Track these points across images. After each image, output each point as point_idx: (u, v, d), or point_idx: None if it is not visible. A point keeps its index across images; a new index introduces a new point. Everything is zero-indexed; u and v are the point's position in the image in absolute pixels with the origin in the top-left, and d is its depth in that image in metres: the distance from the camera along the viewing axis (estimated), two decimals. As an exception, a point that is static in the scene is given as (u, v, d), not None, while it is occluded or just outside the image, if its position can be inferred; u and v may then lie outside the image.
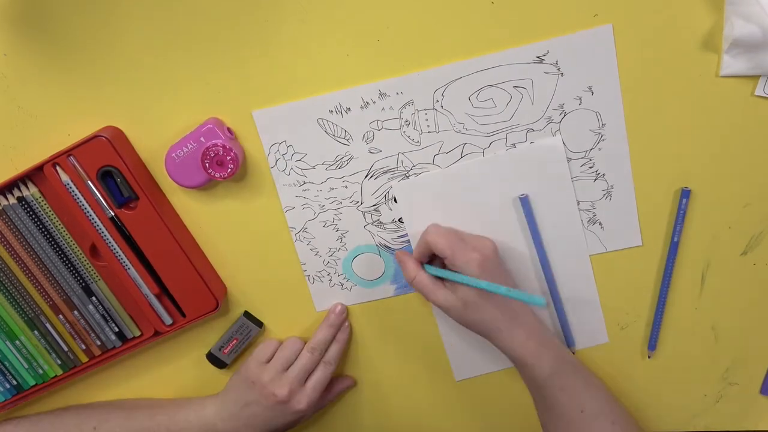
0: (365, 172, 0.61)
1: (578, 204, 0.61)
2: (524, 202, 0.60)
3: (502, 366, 0.67)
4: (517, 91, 0.58)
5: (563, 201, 0.61)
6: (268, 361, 0.63)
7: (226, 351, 0.66)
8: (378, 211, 0.62)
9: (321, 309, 0.66)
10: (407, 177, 0.61)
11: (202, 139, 0.56)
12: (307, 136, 0.60)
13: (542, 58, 0.56)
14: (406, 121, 0.59)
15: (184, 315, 0.62)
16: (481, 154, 0.60)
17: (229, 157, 0.56)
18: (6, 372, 0.63)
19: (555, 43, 0.56)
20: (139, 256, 0.60)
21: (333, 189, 0.62)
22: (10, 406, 0.64)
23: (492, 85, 0.57)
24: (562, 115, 0.58)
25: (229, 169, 0.57)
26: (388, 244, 0.63)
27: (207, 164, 0.56)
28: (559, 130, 0.58)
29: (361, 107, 0.58)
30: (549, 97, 0.58)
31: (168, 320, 0.62)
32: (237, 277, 0.65)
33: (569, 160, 0.59)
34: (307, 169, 0.61)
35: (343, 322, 0.65)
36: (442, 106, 0.58)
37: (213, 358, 0.66)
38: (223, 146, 0.56)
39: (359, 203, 0.62)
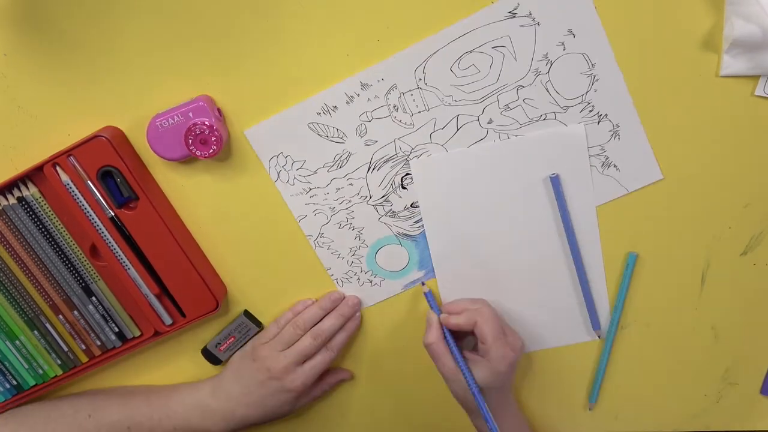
0: (366, 166, 0.61)
1: (588, 150, 0.59)
2: (555, 181, 0.60)
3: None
4: (497, 51, 0.56)
5: (581, 189, 0.60)
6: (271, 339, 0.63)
7: (222, 348, 0.66)
8: (388, 201, 0.62)
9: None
10: (418, 157, 0.60)
11: (190, 114, 0.55)
12: (302, 143, 0.60)
13: (514, 12, 0.55)
14: (395, 106, 0.58)
15: (184, 315, 0.62)
16: (476, 121, 0.59)
17: (213, 138, 0.55)
18: (6, 372, 0.63)
19: None
20: (139, 256, 0.60)
21: (339, 189, 0.61)
22: (9, 407, 0.64)
23: (470, 51, 0.56)
24: (549, 64, 0.57)
25: (212, 150, 0.55)
26: (406, 232, 0.63)
27: (190, 140, 0.55)
28: (549, 81, 0.57)
29: (347, 102, 0.58)
30: (531, 49, 0.56)
31: (168, 320, 0.62)
32: (237, 277, 0.65)
33: (566, 108, 0.58)
34: (310, 174, 0.61)
35: (354, 314, 0.65)
36: (426, 84, 0.57)
37: (208, 354, 0.66)
38: (210, 126, 0.55)
39: (368, 197, 0.62)
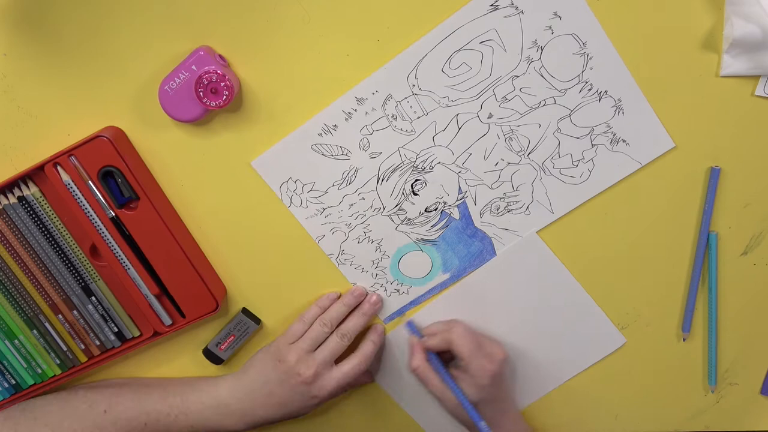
0: (375, 178, 0.61)
1: (592, 130, 0.59)
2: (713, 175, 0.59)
3: None
4: (485, 45, 0.56)
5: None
6: (298, 338, 0.63)
7: (222, 347, 0.66)
8: (402, 209, 0.62)
9: (387, 322, 0.67)
10: (422, 170, 0.61)
11: (193, 67, 0.55)
12: (309, 165, 0.60)
13: (496, 4, 0.54)
14: (393, 116, 0.58)
15: (183, 315, 0.62)
16: (476, 118, 0.58)
17: (223, 84, 0.54)
18: (5, 371, 0.63)
19: None
20: (139, 256, 0.60)
21: (352, 205, 0.62)
22: (8, 406, 0.64)
23: (459, 50, 0.56)
24: (539, 51, 0.56)
25: (225, 96, 0.55)
26: (424, 237, 0.63)
27: (201, 93, 0.55)
28: (542, 66, 0.56)
29: (346, 119, 0.58)
30: (519, 39, 0.56)
31: (167, 321, 0.62)
32: (237, 277, 0.65)
33: (564, 91, 0.57)
34: (321, 195, 0.61)
35: (376, 312, 0.65)
36: (420, 89, 0.57)
37: (209, 354, 0.66)
38: (216, 72, 0.54)
39: (382, 209, 0.62)
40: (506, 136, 0.59)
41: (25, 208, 0.58)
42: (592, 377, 0.68)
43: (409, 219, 0.62)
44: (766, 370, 0.66)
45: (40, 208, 0.58)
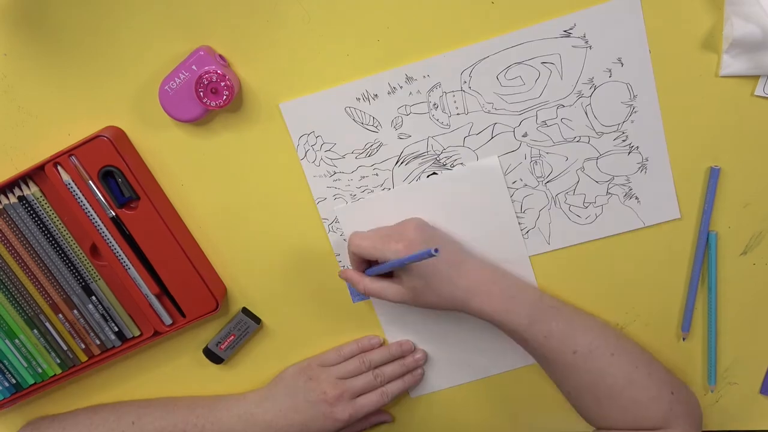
0: (395, 159, 0.61)
1: (612, 179, 0.60)
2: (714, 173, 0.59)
3: (457, 382, 0.68)
4: (545, 67, 0.57)
5: (504, 220, 0.62)
6: (331, 366, 0.64)
7: (223, 347, 0.66)
8: None
9: (357, 301, 0.66)
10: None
11: (193, 67, 0.55)
12: (336, 126, 0.59)
13: (569, 31, 0.55)
14: (435, 104, 0.58)
15: (183, 315, 0.62)
16: (512, 132, 0.59)
17: (223, 84, 0.54)
18: (5, 371, 0.63)
19: (581, 15, 0.55)
20: (139, 256, 0.60)
21: (364, 177, 0.61)
22: (8, 405, 0.64)
23: (520, 63, 0.57)
24: (592, 89, 0.57)
25: (225, 96, 0.55)
26: None
27: (201, 93, 0.55)
28: (590, 104, 0.57)
29: (389, 93, 0.58)
30: (578, 71, 0.57)
31: (168, 320, 0.62)
32: (237, 276, 0.65)
33: (601, 134, 0.59)
34: (337, 158, 0.61)
35: (417, 367, 0.66)
36: (470, 87, 0.58)
37: (210, 354, 0.66)
38: (216, 72, 0.54)
39: (390, 190, 0.62)
40: (533, 158, 0.60)
41: (26, 207, 0.58)
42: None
43: None
44: (766, 370, 0.66)
45: (40, 208, 0.58)
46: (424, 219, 0.60)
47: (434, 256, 0.49)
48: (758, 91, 0.56)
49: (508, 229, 0.62)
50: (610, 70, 0.57)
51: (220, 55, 0.56)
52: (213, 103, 0.55)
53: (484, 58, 0.57)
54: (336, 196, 0.62)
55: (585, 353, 0.56)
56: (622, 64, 0.56)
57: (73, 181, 0.57)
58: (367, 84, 0.58)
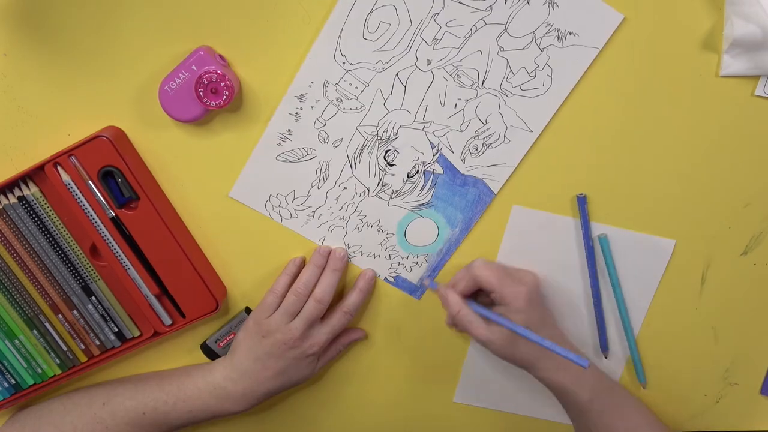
0: (348, 165, 0.60)
1: (534, 34, 0.56)
2: (581, 201, 0.60)
3: (505, 408, 0.69)
4: None
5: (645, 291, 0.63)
6: (273, 311, 0.62)
7: (221, 344, 0.66)
8: (386, 184, 0.61)
9: (420, 296, 0.66)
10: (388, 140, 0.60)
11: (193, 67, 0.55)
12: (282, 176, 0.60)
13: None
14: (338, 99, 0.58)
15: (183, 315, 0.62)
16: (416, 69, 0.57)
17: (223, 84, 0.54)
18: (5, 371, 0.63)
19: None
20: (139, 256, 0.60)
21: (338, 197, 0.62)
22: (8, 405, 0.64)
23: (370, 12, 0.55)
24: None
25: (224, 96, 0.55)
26: (418, 202, 0.62)
27: (201, 93, 0.55)
28: (445, 24, 0.55)
29: (296, 120, 0.58)
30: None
31: (167, 321, 0.62)
32: (237, 277, 0.65)
33: (490, 8, 0.55)
34: (306, 199, 0.61)
35: (344, 265, 0.64)
36: (351, 64, 0.57)
37: (207, 350, 0.66)
38: (216, 72, 0.54)
39: (367, 191, 0.62)
40: (453, 75, 0.58)
41: (26, 208, 0.58)
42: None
43: (396, 191, 0.62)
44: (766, 370, 0.66)
45: (40, 208, 0.58)
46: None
47: (584, 366, 0.53)
48: (758, 91, 0.56)
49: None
50: None
51: (220, 55, 0.56)
52: (213, 103, 0.55)
53: (340, 33, 0.55)
54: (331, 228, 0.63)
55: (631, 429, 0.61)
56: None
57: (73, 181, 0.57)
58: (274, 126, 0.59)
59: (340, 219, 0.62)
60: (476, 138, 0.60)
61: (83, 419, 0.62)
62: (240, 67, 0.57)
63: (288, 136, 0.59)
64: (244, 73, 0.57)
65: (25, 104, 0.58)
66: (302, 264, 0.64)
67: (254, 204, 0.61)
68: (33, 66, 0.57)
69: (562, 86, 0.58)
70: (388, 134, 0.60)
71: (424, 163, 0.61)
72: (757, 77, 0.56)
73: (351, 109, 0.58)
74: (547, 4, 0.55)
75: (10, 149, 0.60)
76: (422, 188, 0.62)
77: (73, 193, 0.57)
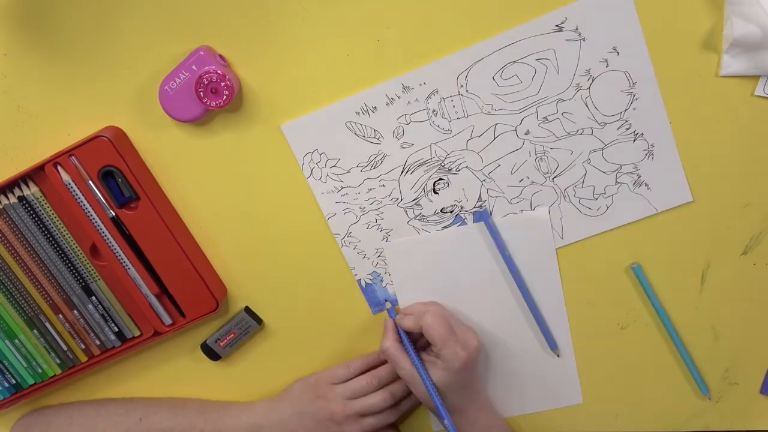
0: (400, 168, 0.61)
1: (620, 168, 0.60)
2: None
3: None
4: (540, 63, 0.57)
5: (547, 269, 0.63)
6: (340, 382, 0.63)
7: (222, 344, 0.66)
8: (419, 204, 0.62)
9: (376, 312, 0.66)
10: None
11: (193, 67, 0.55)
12: (338, 141, 0.60)
13: (561, 26, 0.55)
14: (434, 111, 0.59)
15: (183, 315, 0.62)
16: (513, 132, 0.59)
17: (223, 84, 0.54)
18: (5, 371, 0.63)
19: (572, 8, 0.55)
20: (139, 256, 0.60)
21: (371, 189, 0.62)
22: (8, 405, 0.64)
23: (515, 62, 0.57)
24: (590, 80, 0.57)
25: (225, 96, 0.55)
26: None
27: (201, 93, 0.55)
28: (589, 96, 0.57)
29: (387, 104, 0.58)
30: (574, 64, 0.57)
31: (168, 320, 0.62)
32: (237, 277, 0.65)
33: (603, 125, 0.58)
34: (343, 173, 0.61)
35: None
36: (467, 91, 0.58)
37: (207, 350, 0.66)
38: (217, 72, 0.54)
39: (399, 200, 0.62)
40: (538, 155, 0.60)
41: (26, 207, 0.58)
42: (593, 376, 0.68)
43: (424, 216, 0.62)
44: (766, 370, 0.66)
45: (40, 208, 0.58)
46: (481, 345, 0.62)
47: None
48: (758, 91, 0.56)
49: (549, 280, 0.64)
50: (606, 60, 0.56)
51: (220, 55, 0.56)
52: (213, 103, 0.55)
53: (479, 61, 0.57)
54: (345, 211, 0.62)
55: None
56: (618, 53, 0.56)
57: (73, 181, 0.57)
58: (365, 97, 0.58)
59: (359, 208, 0.62)
60: (515, 215, 0.62)
61: (116, 429, 0.62)
62: (240, 67, 0.57)
63: (370, 112, 0.58)
64: (244, 73, 0.57)
65: (25, 104, 0.58)
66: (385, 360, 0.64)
67: (297, 147, 0.60)
68: (33, 66, 0.57)
69: (610, 222, 0.62)
70: (451, 167, 0.60)
71: (462, 207, 0.62)
72: (757, 77, 0.56)
73: (438, 126, 0.59)
74: (647, 152, 0.59)
75: (10, 149, 0.60)
76: (445, 227, 0.62)
77: (73, 193, 0.57)
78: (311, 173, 0.61)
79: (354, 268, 0.64)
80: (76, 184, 0.57)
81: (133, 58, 0.57)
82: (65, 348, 0.63)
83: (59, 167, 0.57)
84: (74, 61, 0.57)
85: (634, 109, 0.58)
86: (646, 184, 0.60)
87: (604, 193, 0.61)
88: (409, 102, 0.58)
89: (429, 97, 0.58)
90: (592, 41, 0.56)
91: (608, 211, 0.61)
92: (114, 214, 0.58)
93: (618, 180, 0.60)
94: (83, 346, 0.63)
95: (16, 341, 0.62)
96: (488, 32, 0.56)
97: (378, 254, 0.64)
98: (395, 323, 0.63)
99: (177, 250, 0.60)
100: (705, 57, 0.56)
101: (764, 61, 0.54)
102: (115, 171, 0.57)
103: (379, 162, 0.60)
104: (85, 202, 0.57)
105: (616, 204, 0.61)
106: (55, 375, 0.64)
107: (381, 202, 0.62)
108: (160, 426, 0.63)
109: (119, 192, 0.58)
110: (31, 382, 0.64)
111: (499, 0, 0.55)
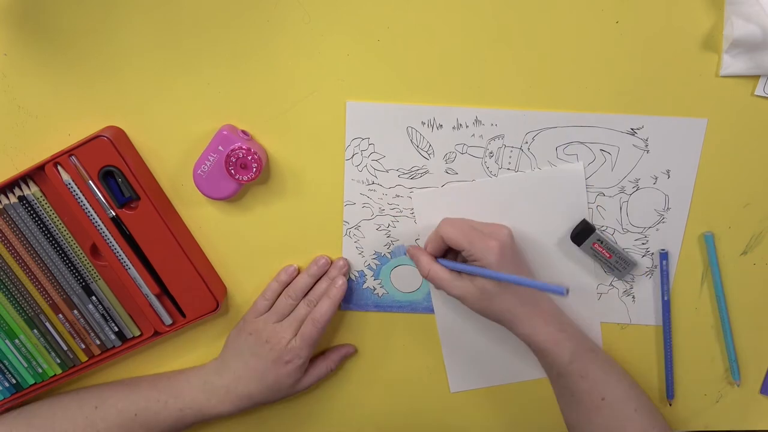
0: (435, 190, 0.61)
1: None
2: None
3: (498, 382, 0.68)
4: (602, 154, 0.59)
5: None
6: (263, 313, 0.63)
7: None
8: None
9: (345, 308, 0.66)
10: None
11: (220, 147, 0.56)
12: (392, 140, 0.60)
13: (635, 130, 0.58)
14: (491, 153, 0.60)
15: (184, 315, 0.62)
16: None
17: (250, 157, 0.56)
18: (5, 371, 0.63)
19: (651, 120, 0.58)
20: (139, 256, 0.60)
21: (398, 197, 0.62)
22: (8, 405, 0.64)
23: (582, 143, 0.59)
24: (635, 189, 0.60)
25: (254, 169, 0.56)
26: None
27: (232, 171, 0.57)
28: (627, 202, 0.60)
29: (454, 128, 0.59)
30: (629, 168, 0.59)
31: (168, 320, 0.62)
32: (237, 277, 0.65)
33: (625, 231, 0.62)
34: (381, 171, 0.61)
35: (344, 275, 0.63)
36: (529, 149, 0.59)
37: None
38: (242, 148, 0.56)
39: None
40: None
41: (26, 207, 0.58)
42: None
43: None
44: (766, 370, 0.66)
45: (40, 208, 0.58)
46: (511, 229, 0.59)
47: (563, 296, 0.50)
48: (758, 91, 0.56)
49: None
50: (656, 178, 0.60)
51: (243, 131, 0.58)
52: (245, 177, 0.57)
53: (553, 128, 0.58)
54: (364, 205, 0.62)
55: (612, 402, 0.57)
56: (669, 176, 0.59)
57: (73, 181, 0.57)
58: (437, 112, 0.58)
59: (378, 207, 0.62)
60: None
61: (75, 423, 0.62)
62: (262, 137, 0.59)
63: (435, 127, 0.59)
64: (267, 142, 0.59)
65: (25, 104, 0.58)
66: (294, 273, 0.64)
67: (353, 124, 0.59)
68: (33, 66, 0.57)
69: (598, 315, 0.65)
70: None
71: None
72: (757, 77, 0.56)
73: (488, 168, 0.60)
74: (649, 271, 0.63)
75: (10, 149, 0.60)
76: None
77: (74, 193, 0.57)
78: (352, 157, 0.61)
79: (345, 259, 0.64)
80: (76, 184, 0.57)
81: (133, 58, 0.57)
82: (65, 348, 0.63)
83: (59, 167, 0.57)
84: (74, 61, 0.57)
85: (657, 230, 0.61)
86: (633, 297, 0.64)
87: (597, 288, 0.64)
88: (473, 135, 0.59)
89: (493, 138, 0.59)
90: (654, 156, 0.59)
91: (598, 302, 0.65)
92: (114, 214, 0.58)
93: (613, 283, 0.64)
94: (83, 346, 0.63)
95: (17, 341, 0.62)
96: (573, 106, 0.58)
97: (374, 257, 0.64)
98: (418, 249, 0.61)
99: (177, 250, 0.60)
100: (705, 57, 0.56)
101: (764, 61, 0.54)
102: (115, 171, 0.57)
103: (419, 175, 0.61)
104: (85, 202, 0.57)
105: (603, 302, 0.65)
106: (55, 375, 0.64)
107: (401, 212, 0.62)
108: (115, 408, 0.62)
109: (119, 192, 0.58)
110: (32, 382, 0.64)
111: (595, 82, 0.57)
